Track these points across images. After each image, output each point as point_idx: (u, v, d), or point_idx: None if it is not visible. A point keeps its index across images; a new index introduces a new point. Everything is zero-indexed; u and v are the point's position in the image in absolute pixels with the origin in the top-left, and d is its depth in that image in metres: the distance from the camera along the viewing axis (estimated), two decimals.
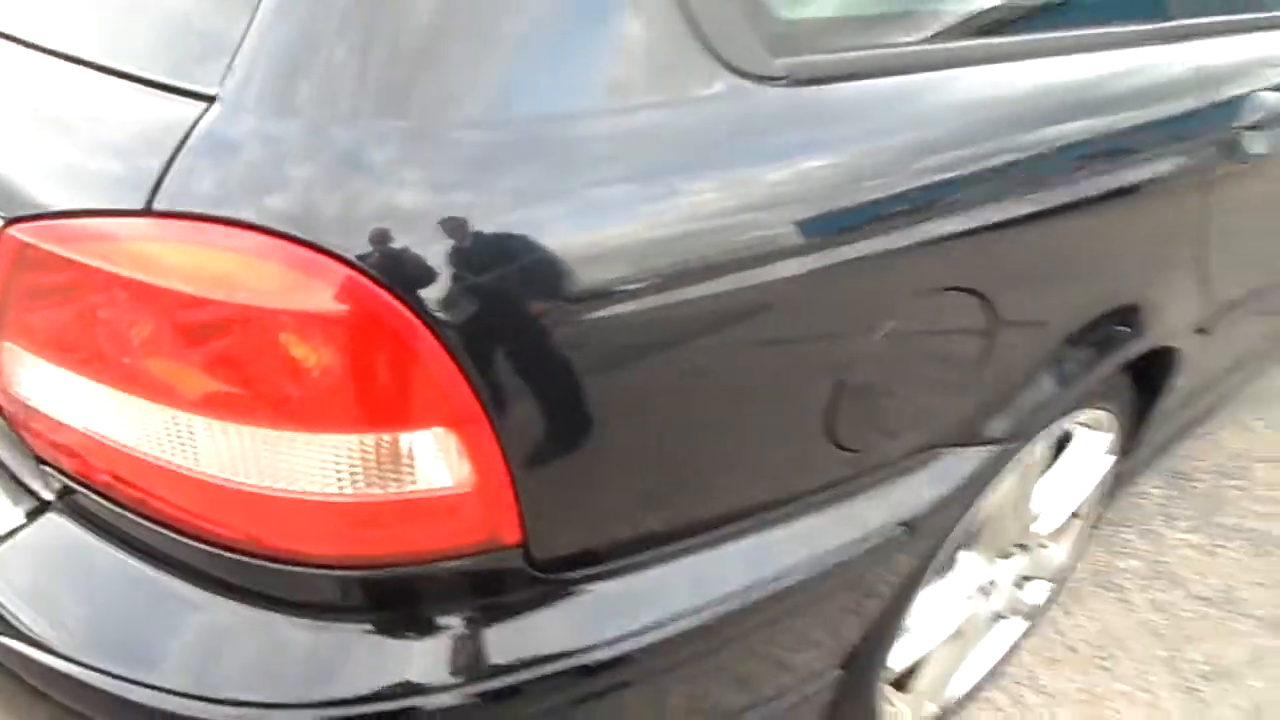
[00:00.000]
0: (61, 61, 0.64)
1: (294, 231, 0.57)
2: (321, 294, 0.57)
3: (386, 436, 0.61)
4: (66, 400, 0.66)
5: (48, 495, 0.79)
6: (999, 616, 1.50)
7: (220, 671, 0.70)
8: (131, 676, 0.70)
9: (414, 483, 0.64)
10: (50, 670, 0.72)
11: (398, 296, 0.57)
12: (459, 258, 0.59)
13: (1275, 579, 1.87)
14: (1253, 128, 1.18)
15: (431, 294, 0.58)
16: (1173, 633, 1.72)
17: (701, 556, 0.81)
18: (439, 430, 0.62)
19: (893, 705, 1.32)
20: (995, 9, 0.93)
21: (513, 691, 0.75)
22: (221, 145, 0.58)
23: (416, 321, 0.58)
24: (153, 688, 0.69)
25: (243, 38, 0.58)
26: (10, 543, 0.77)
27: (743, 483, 0.82)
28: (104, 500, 0.72)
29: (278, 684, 0.70)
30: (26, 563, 0.76)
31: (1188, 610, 1.78)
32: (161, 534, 0.70)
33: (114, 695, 0.70)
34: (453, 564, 0.69)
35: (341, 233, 0.57)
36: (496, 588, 0.73)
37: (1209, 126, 1.13)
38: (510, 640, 0.74)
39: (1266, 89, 1.21)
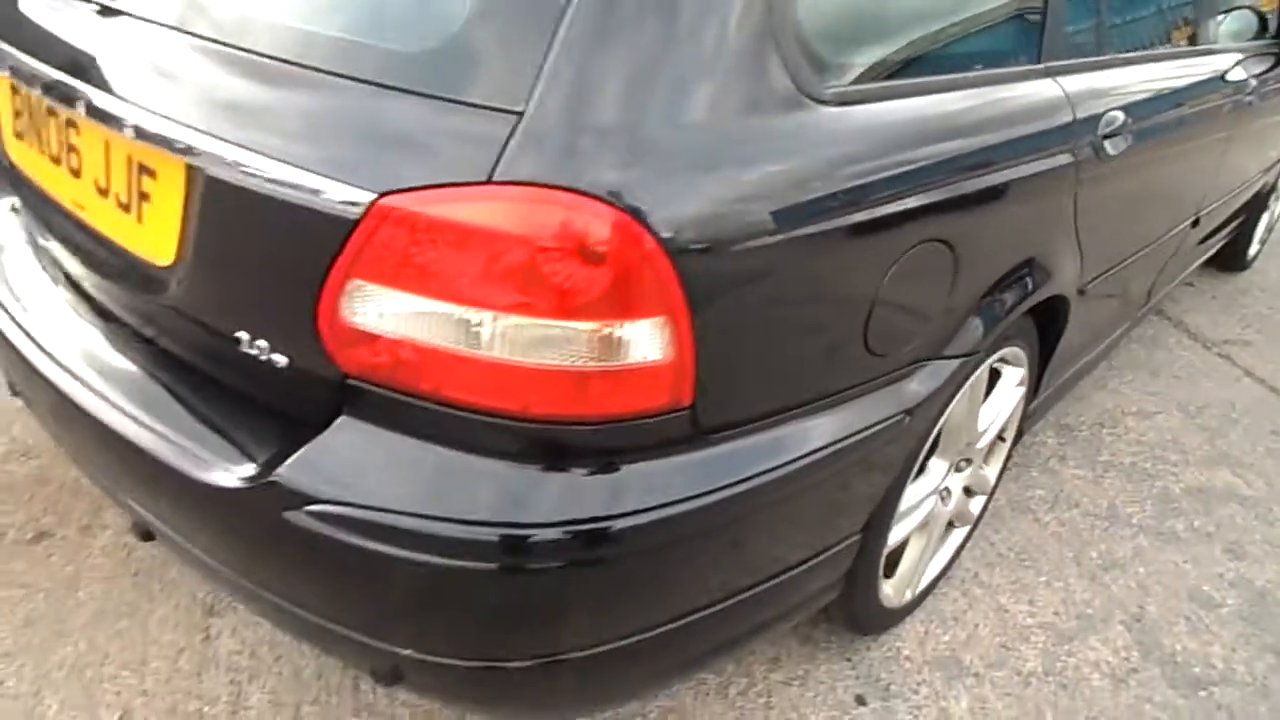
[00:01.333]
0: (415, 96, 0.98)
1: (580, 187, 0.92)
2: (599, 229, 0.92)
3: (629, 323, 0.96)
4: (399, 318, 0.98)
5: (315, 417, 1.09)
6: (951, 525, 1.92)
7: (500, 505, 1.02)
8: (445, 515, 1.01)
9: (639, 356, 0.98)
10: (375, 525, 1.02)
11: (646, 230, 0.93)
12: (673, 207, 0.95)
13: (1146, 497, 2.37)
14: (1108, 136, 1.67)
15: (663, 231, 0.94)
16: (1075, 540, 2.19)
17: (793, 425, 1.19)
18: (659, 319, 0.97)
19: (884, 588, 1.71)
20: (959, 56, 1.37)
21: (676, 519, 1.09)
22: (529, 141, 0.92)
23: (655, 246, 0.94)
24: (463, 522, 1.01)
25: (537, 75, 0.93)
26: (313, 445, 1.07)
27: (820, 374, 1.21)
28: (400, 396, 1.03)
29: (537, 511, 1.02)
30: (333, 456, 1.06)
31: (1084, 524, 2.25)
32: (445, 414, 1.03)
33: (432, 534, 1.01)
34: (647, 420, 1.04)
35: (607, 189, 0.92)
36: (670, 441, 1.08)
37: (1081, 135, 1.60)
38: (677, 479, 1.09)
39: (1116, 108, 1.70)
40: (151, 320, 1.28)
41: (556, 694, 1.21)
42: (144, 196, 1.19)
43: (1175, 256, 2.61)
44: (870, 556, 1.53)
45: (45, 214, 1.43)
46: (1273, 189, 3.67)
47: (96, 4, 1.26)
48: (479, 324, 0.97)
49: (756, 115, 1.04)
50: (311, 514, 1.04)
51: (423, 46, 0.99)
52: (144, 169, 1.17)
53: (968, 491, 1.91)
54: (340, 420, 1.08)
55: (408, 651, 1.11)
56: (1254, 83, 2.57)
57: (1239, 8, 2.62)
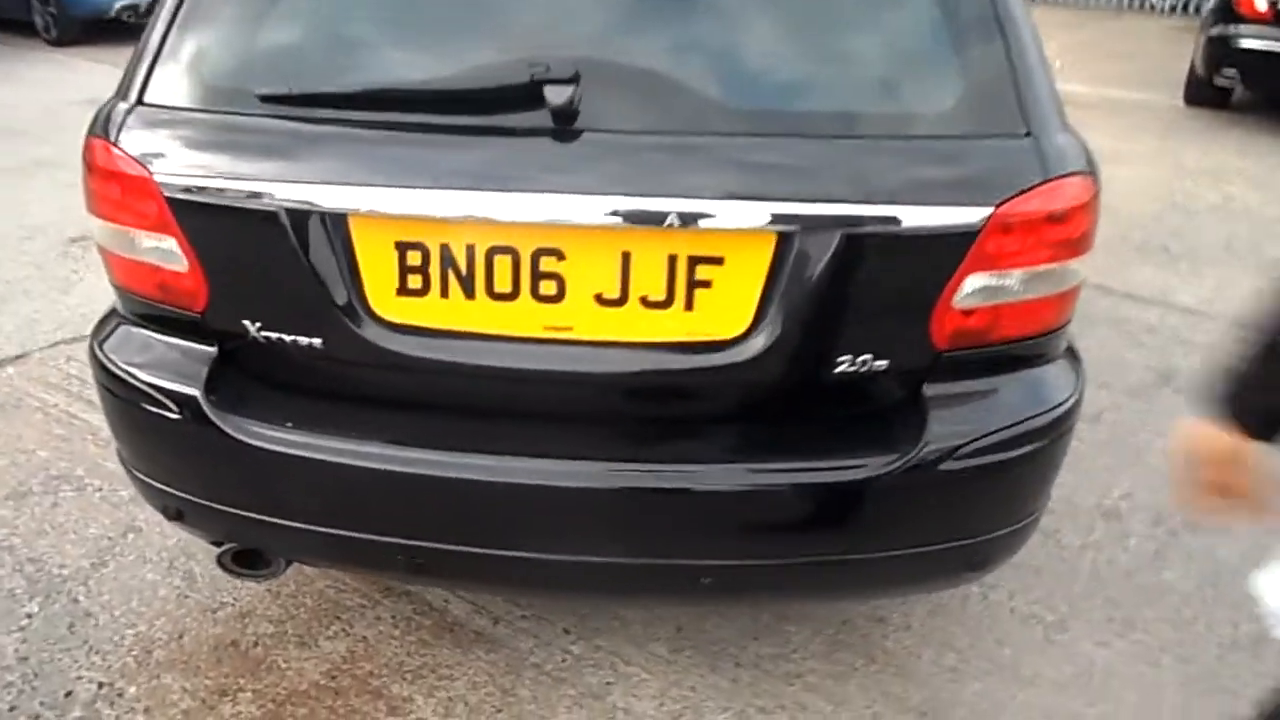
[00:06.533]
0: (965, 139, 1.36)
1: (1081, 169, 1.39)
2: (1095, 188, 1.43)
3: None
4: (987, 292, 1.37)
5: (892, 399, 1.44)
6: None
7: (1048, 397, 1.50)
8: (1027, 416, 1.46)
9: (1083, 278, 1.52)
10: (995, 444, 1.44)
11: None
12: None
13: None
14: None
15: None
16: None
17: None
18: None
19: None
20: None
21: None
22: (1047, 151, 1.36)
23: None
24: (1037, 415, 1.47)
25: (1023, 112, 1.38)
26: (934, 413, 1.43)
27: None
28: (971, 352, 1.43)
29: (1062, 394, 1.51)
30: (949, 412, 1.43)
31: None
32: (990, 352, 1.46)
33: (1019, 434, 1.46)
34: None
35: (1085, 168, 1.42)
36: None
37: None
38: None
39: None
40: (692, 395, 1.45)
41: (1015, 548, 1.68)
42: (699, 284, 1.35)
43: None
44: None
45: (461, 360, 1.41)
46: None
47: (554, 130, 1.33)
48: (1032, 276, 1.42)
49: None
50: (965, 453, 1.42)
51: (956, 105, 1.38)
52: (699, 260, 1.34)
53: None
54: (926, 388, 1.44)
55: (998, 532, 1.52)
56: None
57: None
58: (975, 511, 1.51)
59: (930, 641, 1.95)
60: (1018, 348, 1.49)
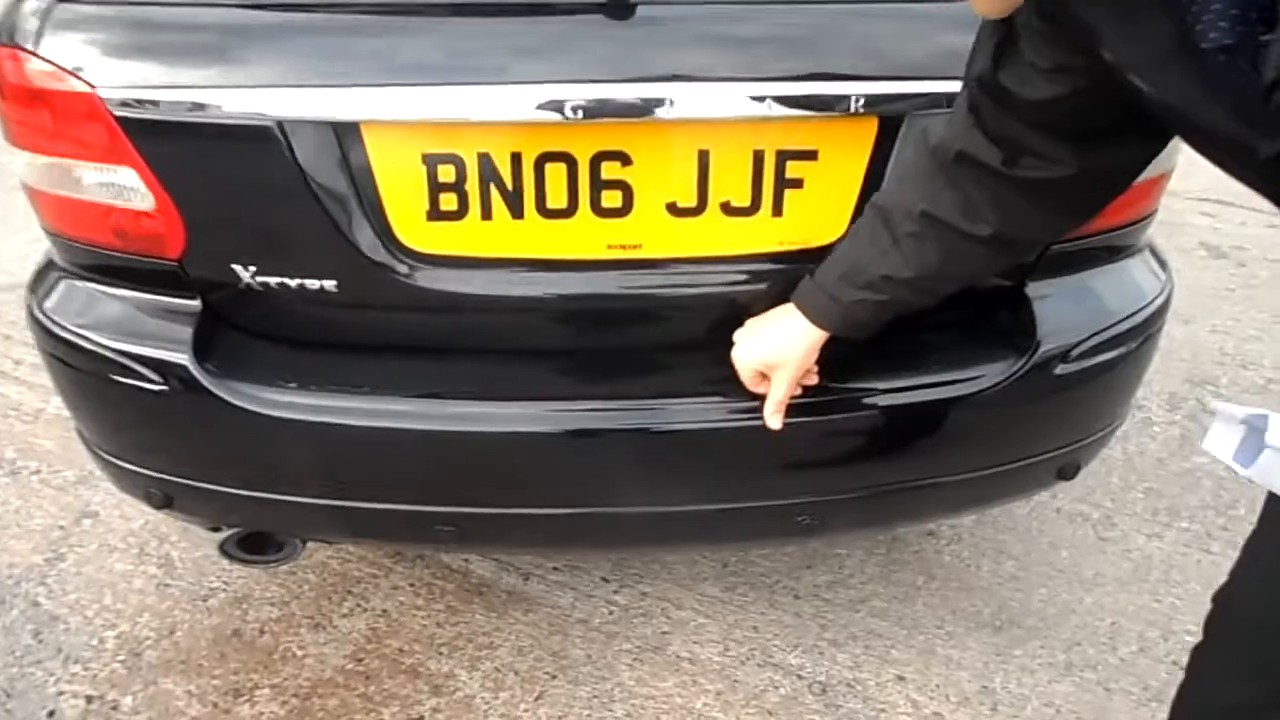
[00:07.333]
0: None
1: None
2: None
3: None
4: None
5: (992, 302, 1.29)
6: None
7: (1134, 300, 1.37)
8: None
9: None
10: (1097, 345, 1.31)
11: None
12: None
13: None
14: None
15: None
16: None
17: None
18: None
19: None
20: None
21: None
22: None
23: None
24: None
25: None
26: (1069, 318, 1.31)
27: None
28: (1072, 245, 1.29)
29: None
30: (1056, 311, 1.29)
31: None
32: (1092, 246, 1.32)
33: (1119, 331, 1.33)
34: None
35: None
36: None
37: None
38: None
39: None
40: None
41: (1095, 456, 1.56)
42: (789, 184, 1.15)
43: None
44: None
45: (508, 292, 1.19)
46: None
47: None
48: None
49: None
50: (1077, 355, 1.29)
51: None
52: (790, 156, 1.14)
53: None
54: (1029, 287, 1.30)
55: (1092, 437, 1.41)
56: None
57: None
58: (1076, 417, 1.38)
59: (985, 551, 1.87)
60: (1114, 237, 1.35)
